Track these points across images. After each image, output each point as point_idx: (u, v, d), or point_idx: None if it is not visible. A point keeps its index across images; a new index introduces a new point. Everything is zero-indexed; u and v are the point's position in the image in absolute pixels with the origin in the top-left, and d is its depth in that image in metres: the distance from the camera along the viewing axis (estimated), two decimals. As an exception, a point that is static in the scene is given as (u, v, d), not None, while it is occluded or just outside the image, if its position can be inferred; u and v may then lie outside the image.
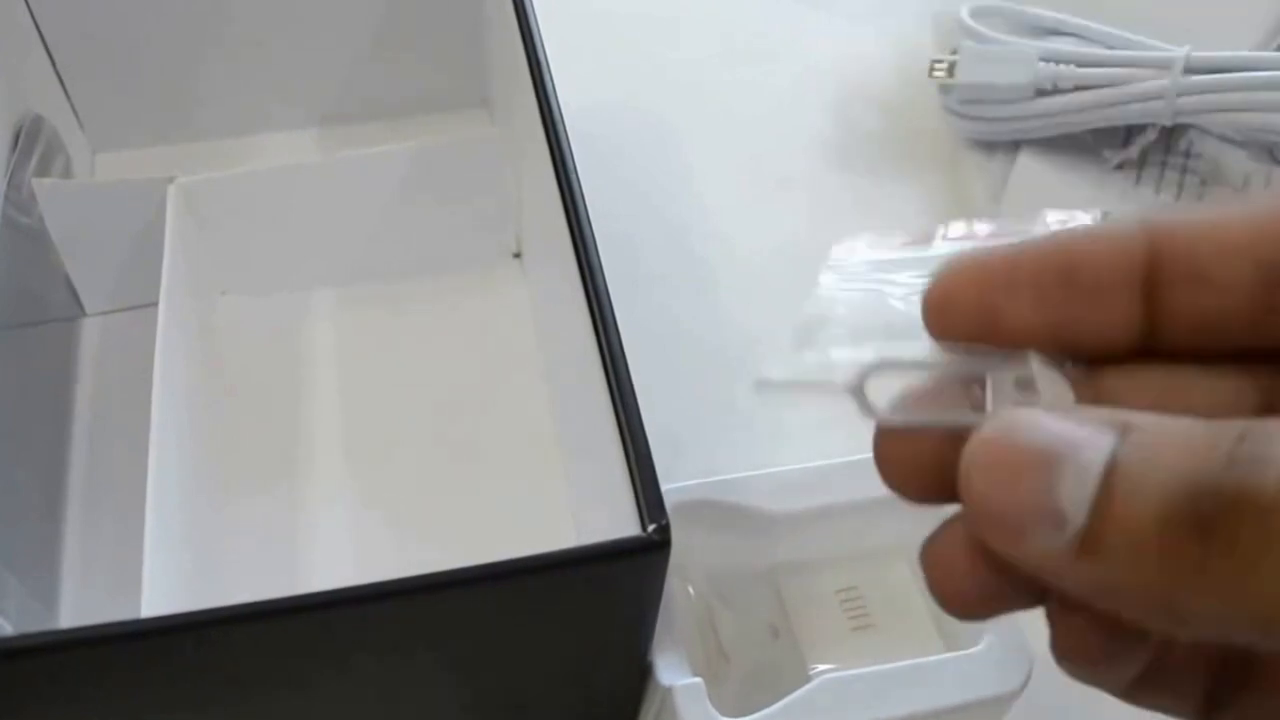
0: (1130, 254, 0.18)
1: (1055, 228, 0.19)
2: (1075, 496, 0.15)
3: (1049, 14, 0.49)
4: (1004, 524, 0.16)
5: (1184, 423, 0.15)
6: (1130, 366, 0.18)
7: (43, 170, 0.42)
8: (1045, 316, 0.18)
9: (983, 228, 0.20)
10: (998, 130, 0.49)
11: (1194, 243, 0.17)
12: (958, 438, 0.17)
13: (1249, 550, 0.14)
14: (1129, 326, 0.18)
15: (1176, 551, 0.15)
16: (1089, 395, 0.18)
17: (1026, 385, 0.18)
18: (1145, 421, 0.16)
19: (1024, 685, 0.31)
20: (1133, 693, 0.18)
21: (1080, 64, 0.46)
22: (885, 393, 0.18)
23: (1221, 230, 0.17)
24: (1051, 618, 0.18)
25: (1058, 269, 0.18)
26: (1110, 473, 0.15)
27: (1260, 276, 0.17)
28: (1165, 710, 0.19)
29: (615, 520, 0.28)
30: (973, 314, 0.18)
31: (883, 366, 0.18)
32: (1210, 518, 0.14)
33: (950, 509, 0.18)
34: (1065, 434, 0.16)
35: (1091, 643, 0.17)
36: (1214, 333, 0.18)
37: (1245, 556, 0.14)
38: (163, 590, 0.32)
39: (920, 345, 0.18)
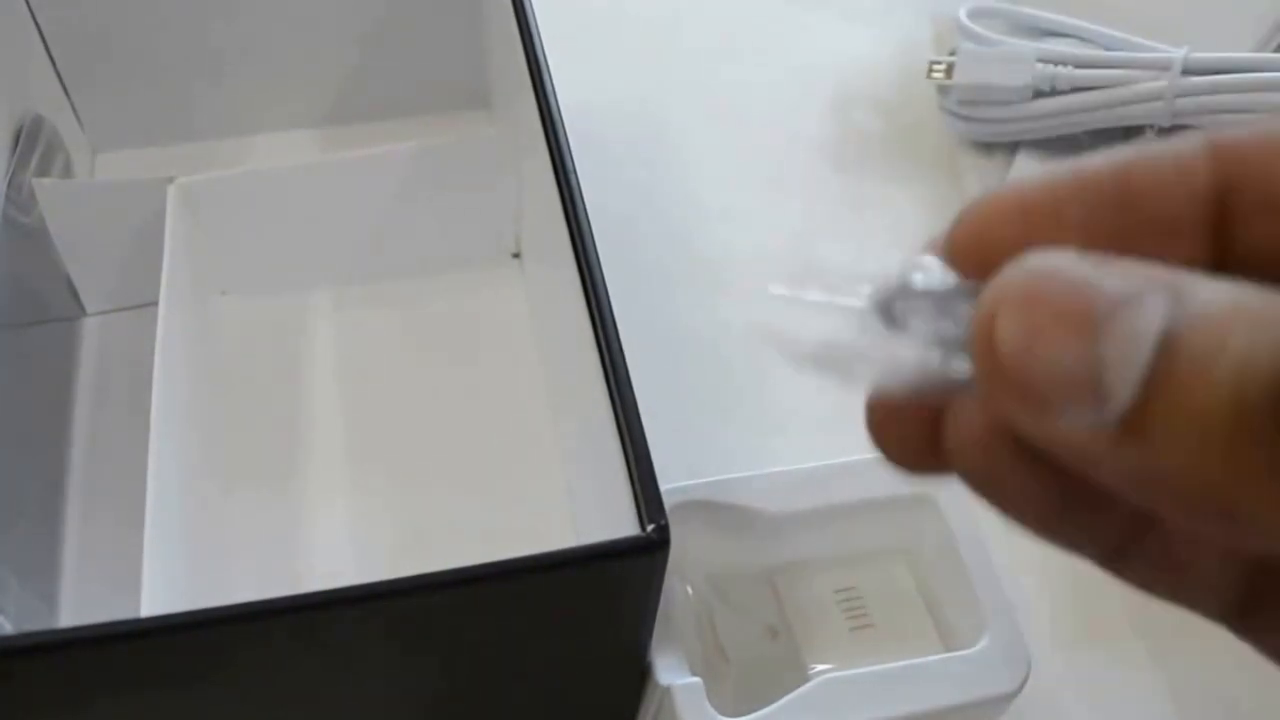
0: (1196, 182, 0.15)
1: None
2: (1125, 367, 0.13)
3: (1047, 15, 0.50)
4: (1029, 393, 0.13)
5: (1252, 296, 0.13)
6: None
7: (43, 170, 0.42)
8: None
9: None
10: (996, 131, 0.49)
11: (1271, 166, 0.15)
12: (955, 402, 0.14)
13: None
14: (1193, 266, 0.15)
15: (1250, 447, 0.12)
16: None
17: None
18: (1210, 289, 0.13)
19: (1022, 685, 0.31)
20: (1143, 577, 0.16)
21: (1078, 65, 0.47)
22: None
23: None
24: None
25: (1113, 202, 0.15)
26: (1170, 343, 0.13)
27: None
28: (1187, 604, 0.16)
29: (614, 520, 0.28)
30: (1010, 251, 0.15)
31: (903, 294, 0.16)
32: None
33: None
34: (1114, 288, 0.13)
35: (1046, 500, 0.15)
36: None
37: None
38: (163, 590, 0.32)
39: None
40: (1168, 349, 0.13)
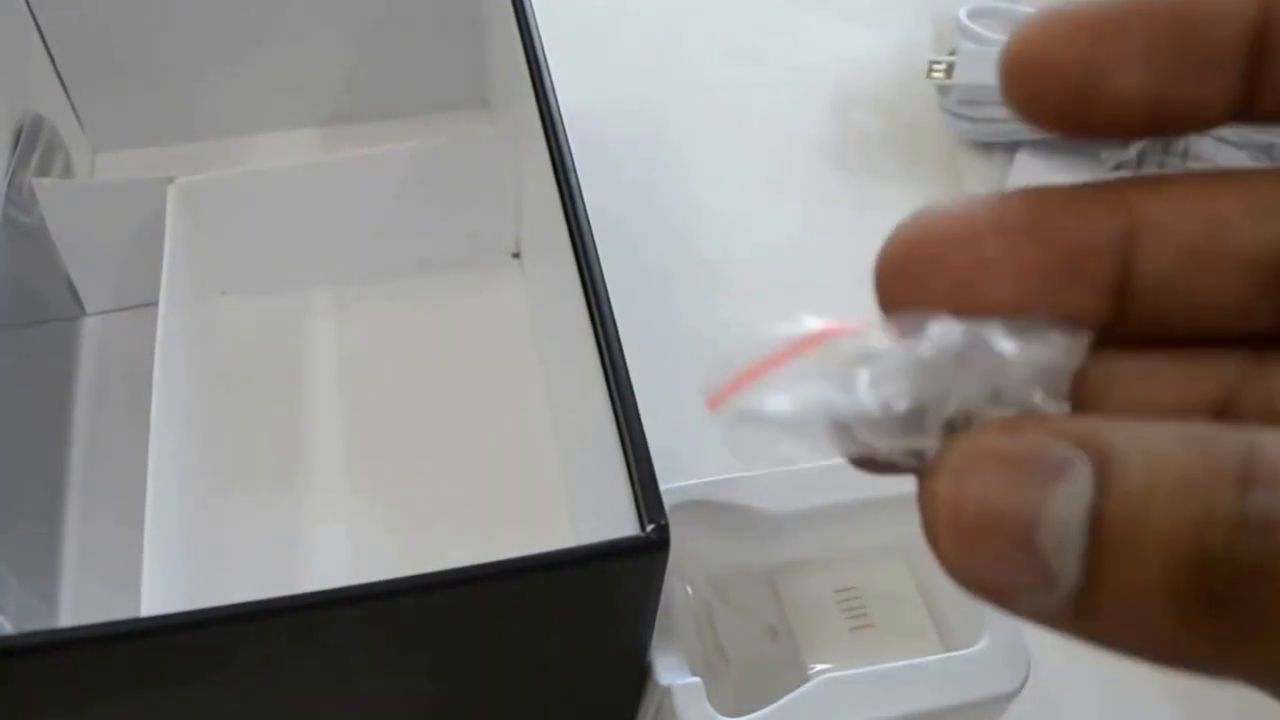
0: (1245, 14, 0.15)
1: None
2: (1060, 557, 0.13)
3: (1047, 15, 0.49)
4: (987, 590, 0.14)
5: (1172, 449, 0.13)
6: (1103, 353, 0.15)
7: (43, 170, 0.42)
8: (1151, 85, 0.15)
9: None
10: (995, 131, 0.49)
11: None
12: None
13: (1275, 626, 0.12)
14: (1229, 99, 0.15)
15: (1189, 623, 0.13)
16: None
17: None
18: (1126, 449, 0.13)
19: (1022, 685, 0.31)
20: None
21: (1079, 65, 0.46)
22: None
23: None
24: None
25: (1170, 32, 0.15)
26: (1097, 526, 0.13)
27: None
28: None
29: (614, 520, 0.28)
30: (1073, 79, 0.15)
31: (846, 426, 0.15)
32: (1224, 594, 0.12)
33: None
34: (1031, 475, 0.13)
35: None
36: None
37: (1272, 632, 0.12)
38: (163, 589, 0.32)
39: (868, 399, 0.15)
40: (1097, 532, 0.13)
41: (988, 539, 0.13)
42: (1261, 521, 0.12)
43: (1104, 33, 0.15)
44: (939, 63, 0.49)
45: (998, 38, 0.49)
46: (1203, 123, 0.15)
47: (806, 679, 0.31)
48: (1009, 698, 0.31)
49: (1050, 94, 0.15)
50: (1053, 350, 0.15)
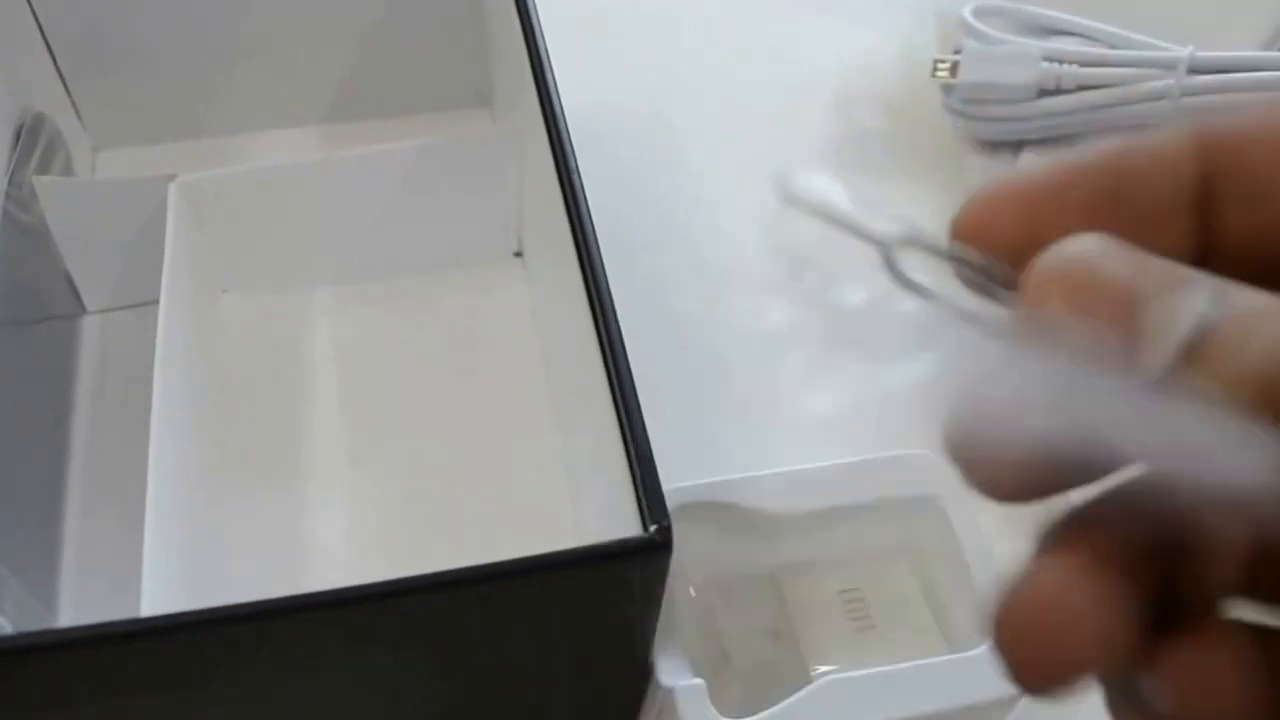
0: (1182, 171, 0.16)
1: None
2: (1163, 339, 0.14)
3: (1052, 13, 0.49)
4: (1064, 325, 0.14)
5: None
6: None
7: (44, 168, 0.42)
8: None
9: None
10: (1000, 130, 0.49)
11: (1250, 153, 0.16)
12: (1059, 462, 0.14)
13: None
14: (1181, 251, 0.16)
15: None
16: None
17: None
18: (1243, 293, 0.14)
19: (1026, 687, 0.30)
20: None
21: (1084, 64, 0.46)
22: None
23: (1276, 131, 0.16)
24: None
25: (1108, 191, 0.16)
26: (1208, 328, 0.14)
27: None
28: None
29: (616, 521, 0.28)
30: (1011, 247, 0.16)
31: (917, 241, 0.16)
32: None
33: None
34: (1161, 273, 0.14)
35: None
36: (1270, 244, 0.16)
37: None
38: (163, 590, 0.31)
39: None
40: (1204, 332, 0.13)
41: (1103, 300, 0.14)
42: None
43: (1041, 202, 0.16)
44: (944, 61, 0.49)
45: (1003, 36, 0.48)
46: None
47: (810, 680, 0.31)
48: (1014, 699, 0.31)
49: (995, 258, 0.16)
50: None
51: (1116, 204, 0.16)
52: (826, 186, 0.17)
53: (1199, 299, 0.14)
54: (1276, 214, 0.15)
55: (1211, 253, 0.16)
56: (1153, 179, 0.16)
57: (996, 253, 0.16)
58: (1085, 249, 0.14)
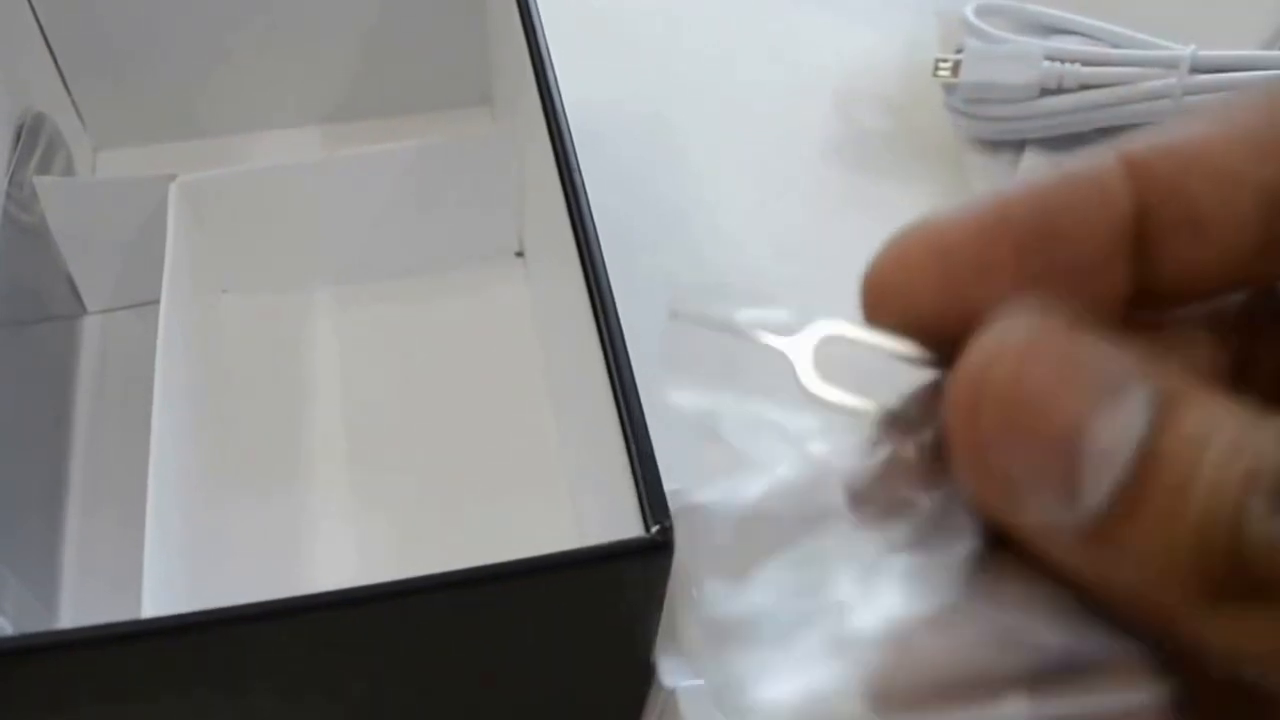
0: (1117, 210, 0.14)
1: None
2: (1097, 477, 0.12)
3: (1054, 12, 0.49)
4: (998, 482, 0.13)
5: (1236, 415, 0.12)
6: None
7: (44, 168, 0.42)
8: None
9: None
10: (1002, 129, 0.49)
11: (1187, 180, 0.14)
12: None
13: None
14: (1119, 290, 0.15)
15: (1207, 591, 0.12)
16: None
17: None
18: (1196, 396, 0.12)
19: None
20: None
21: (1086, 63, 0.46)
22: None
23: (1213, 155, 0.14)
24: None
25: (1036, 243, 0.14)
26: (1146, 461, 0.12)
27: (1263, 210, 0.14)
28: None
29: (618, 521, 0.28)
30: (931, 303, 0.14)
31: (832, 339, 0.15)
32: (1260, 577, 0.11)
33: None
34: (1096, 380, 0.12)
35: None
36: (1213, 277, 0.15)
37: None
38: (163, 590, 0.31)
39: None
40: (1146, 463, 0.12)
41: (1030, 428, 0.12)
42: None
43: (959, 257, 0.14)
44: (945, 60, 0.49)
45: (1005, 35, 0.48)
46: (1094, 311, 0.14)
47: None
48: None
49: (908, 319, 0.14)
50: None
51: (1048, 248, 0.14)
52: (722, 294, 0.15)
53: (1135, 412, 0.12)
54: (1219, 244, 0.14)
55: (1151, 290, 0.15)
56: (1085, 216, 0.14)
57: (915, 316, 0.14)
58: (1006, 348, 0.13)
